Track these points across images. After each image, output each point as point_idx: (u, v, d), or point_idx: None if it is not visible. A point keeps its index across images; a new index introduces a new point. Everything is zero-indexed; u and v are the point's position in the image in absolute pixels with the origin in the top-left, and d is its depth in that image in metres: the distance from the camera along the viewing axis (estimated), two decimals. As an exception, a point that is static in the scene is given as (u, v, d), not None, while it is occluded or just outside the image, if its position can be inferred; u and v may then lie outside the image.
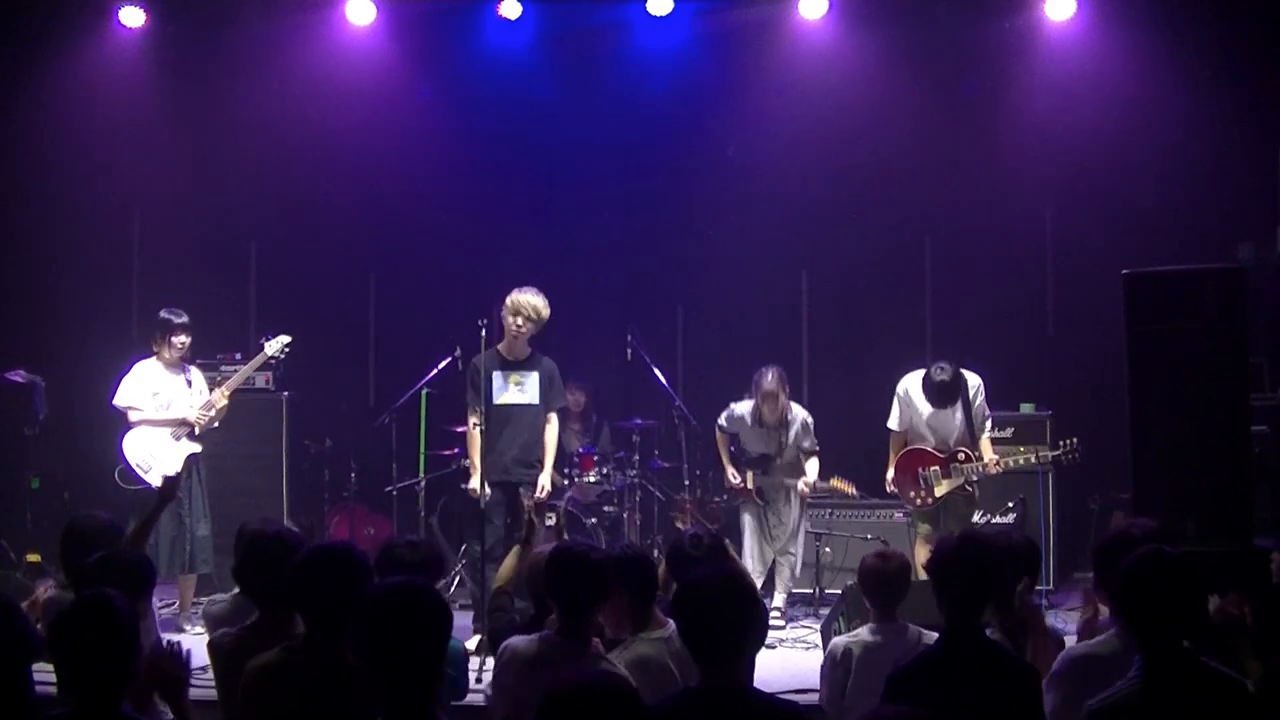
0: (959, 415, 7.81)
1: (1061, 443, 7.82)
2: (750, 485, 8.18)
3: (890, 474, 7.95)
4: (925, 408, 7.86)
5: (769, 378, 7.99)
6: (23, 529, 8.86)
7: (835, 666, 4.62)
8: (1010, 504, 8.40)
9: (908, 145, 9.57)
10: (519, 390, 7.60)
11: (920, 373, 7.89)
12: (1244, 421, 6.52)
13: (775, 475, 8.18)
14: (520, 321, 7.49)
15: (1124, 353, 6.63)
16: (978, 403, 7.83)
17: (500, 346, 7.61)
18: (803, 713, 3.52)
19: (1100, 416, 7.98)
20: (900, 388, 7.98)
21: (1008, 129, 9.47)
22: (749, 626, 3.50)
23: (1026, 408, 8.83)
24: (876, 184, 9.71)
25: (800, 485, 8.09)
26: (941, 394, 7.73)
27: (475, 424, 7.38)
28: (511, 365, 7.61)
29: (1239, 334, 6.47)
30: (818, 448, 8.16)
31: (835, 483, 8.40)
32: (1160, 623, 3.44)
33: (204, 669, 4.29)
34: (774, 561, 8.18)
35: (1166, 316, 6.53)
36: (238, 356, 8.72)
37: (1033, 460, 7.85)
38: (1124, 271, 6.69)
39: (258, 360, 8.20)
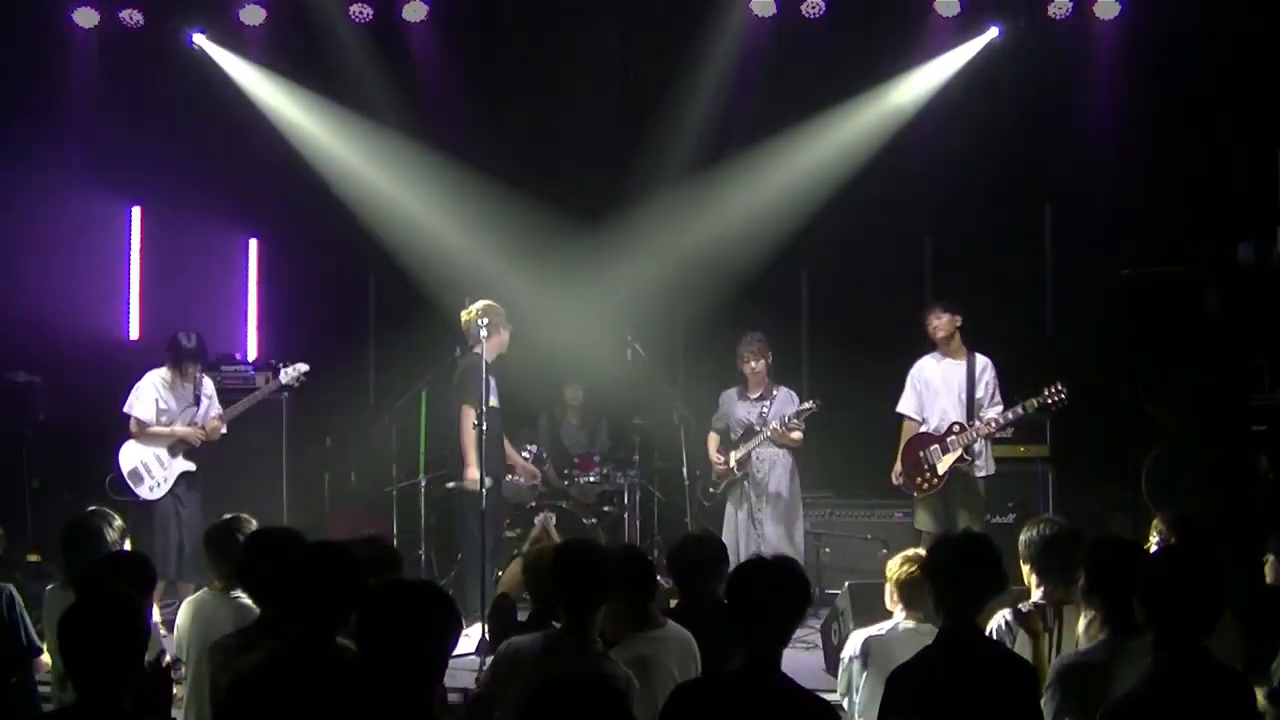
0: (964, 393, 7.81)
1: (1045, 389, 7.53)
2: (733, 463, 8.18)
3: (896, 468, 7.94)
4: (937, 383, 7.87)
5: (743, 340, 8.31)
6: (23, 529, 8.85)
7: (854, 659, 4.63)
8: (1010, 504, 8.39)
9: (908, 144, 9.57)
10: (494, 395, 7.70)
11: (931, 353, 7.95)
12: (1244, 421, 6.52)
13: (758, 446, 8.17)
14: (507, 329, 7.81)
15: (1124, 352, 6.65)
16: (984, 380, 7.82)
17: (487, 354, 7.68)
18: (830, 706, 3.55)
19: (1100, 416, 7.98)
20: (914, 369, 8.01)
21: (1008, 128, 9.47)
22: (798, 612, 3.60)
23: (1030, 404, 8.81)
24: (876, 182, 9.69)
25: (774, 424, 8.08)
26: (942, 341, 7.83)
27: (476, 423, 7.48)
28: (491, 370, 7.69)
29: (1239, 334, 6.49)
30: (803, 423, 8.13)
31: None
32: (1180, 622, 3.44)
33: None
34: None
35: (1166, 316, 6.55)
36: (237, 357, 8.71)
37: (1020, 413, 7.66)
38: (1124, 271, 6.71)
39: (270, 387, 8.26)
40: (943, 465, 7.73)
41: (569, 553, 4.28)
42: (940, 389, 7.90)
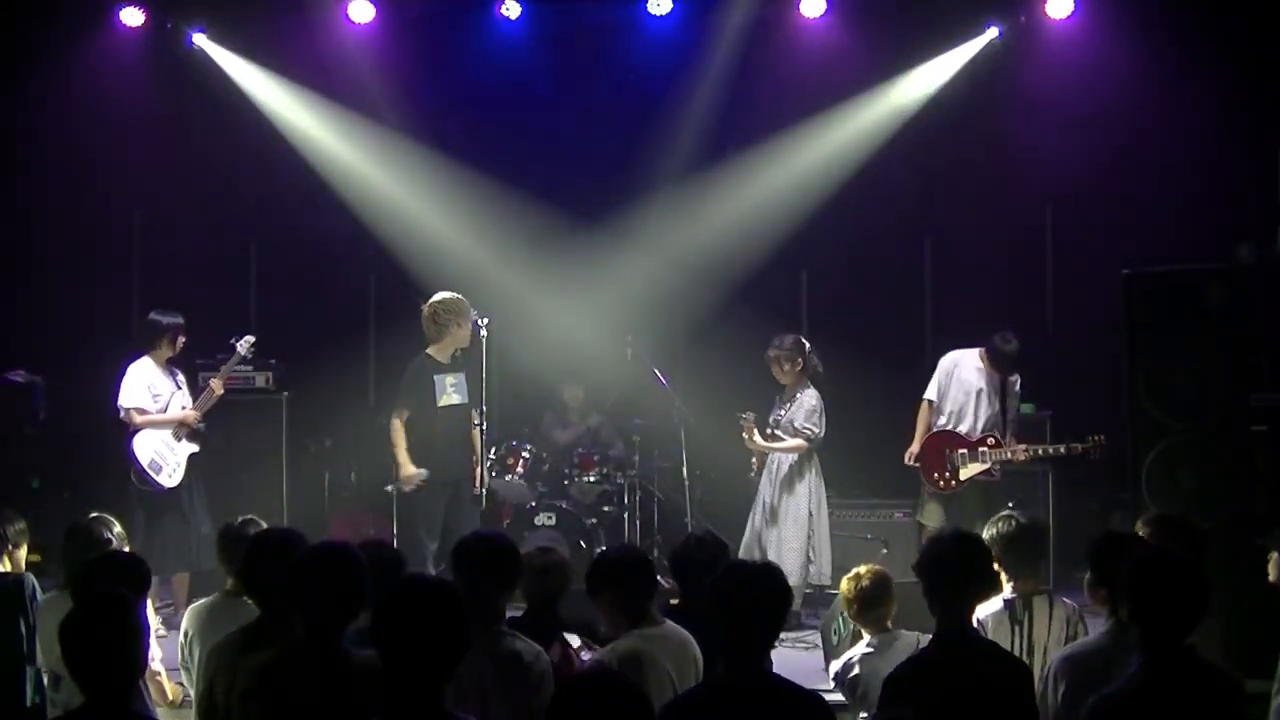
0: (997, 404, 7.80)
1: (1090, 437, 7.67)
2: (753, 461, 8.07)
3: (915, 448, 7.89)
4: (975, 383, 7.83)
5: (775, 341, 7.98)
6: (22, 529, 8.84)
7: (843, 686, 4.66)
8: (1010, 504, 8.37)
9: (908, 144, 9.57)
10: (455, 392, 7.69)
11: (974, 350, 7.89)
12: (1244, 421, 6.52)
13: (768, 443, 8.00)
14: (466, 324, 7.68)
15: (1124, 353, 6.64)
16: (1012, 396, 7.85)
17: (435, 351, 7.70)
18: (825, 701, 3.55)
19: (1100, 416, 7.98)
20: (949, 359, 7.95)
21: (1008, 128, 9.48)
22: (781, 617, 3.61)
23: (1026, 408, 8.80)
24: (877, 183, 9.70)
25: (747, 435, 7.88)
26: (1007, 363, 7.77)
27: (400, 424, 7.59)
28: (445, 368, 7.69)
29: (1239, 334, 6.48)
30: (807, 431, 7.81)
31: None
32: (1164, 621, 3.45)
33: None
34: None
35: (1166, 316, 6.54)
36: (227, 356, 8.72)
37: (1061, 451, 7.77)
38: (1124, 271, 6.70)
39: (233, 361, 8.32)
40: (966, 472, 7.73)
41: (468, 543, 4.34)
42: (972, 390, 7.86)
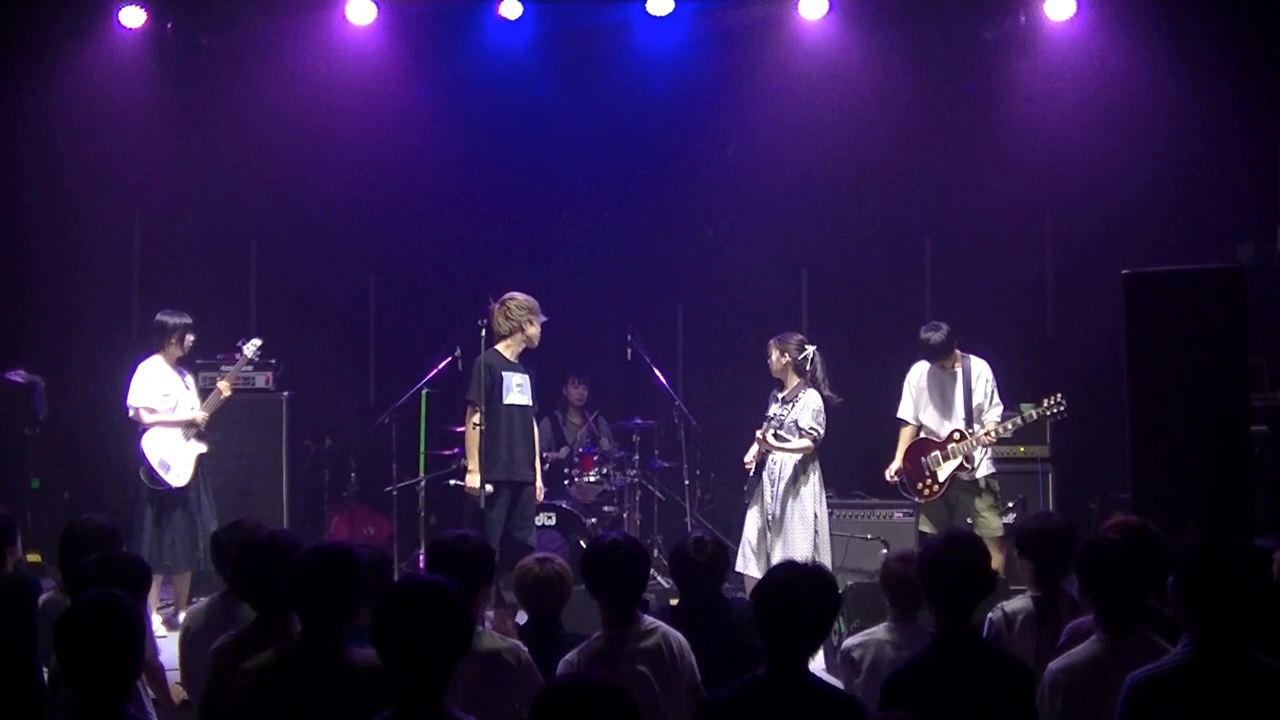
0: (960, 400, 7.79)
1: (1045, 399, 7.63)
2: (747, 461, 8.02)
3: (894, 465, 7.91)
4: (936, 386, 7.84)
5: (777, 337, 7.89)
6: (23, 529, 8.84)
7: (845, 664, 4.60)
8: (1010, 504, 8.39)
9: (908, 145, 9.58)
10: (520, 392, 7.64)
11: (927, 363, 7.90)
12: (1244, 421, 6.52)
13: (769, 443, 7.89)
14: (537, 323, 7.63)
15: (1124, 353, 6.64)
16: (980, 384, 7.80)
17: (504, 348, 7.63)
18: (862, 706, 3.54)
19: (1100, 416, 7.98)
20: (912, 372, 7.98)
21: (1008, 128, 9.48)
22: (830, 621, 3.60)
23: (1026, 408, 8.80)
24: (877, 183, 9.71)
25: (763, 435, 7.77)
26: (933, 354, 7.77)
27: (477, 423, 7.39)
28: (513, 366, 7.65)
29: (1239, 334, 6.48)
30: (814, 432, 7.65)
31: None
32: (1217, 611, 3.40)
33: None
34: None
35: (1166, 316, 6.55)
36: (237, 357, 8.74)
37: (1019, 422, 7.70)
38: (1124, 271, 6.71)
39: (240, 364, 8.40)
40: (943, 473, 7.73)
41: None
42: (937, 396, 7.89)
